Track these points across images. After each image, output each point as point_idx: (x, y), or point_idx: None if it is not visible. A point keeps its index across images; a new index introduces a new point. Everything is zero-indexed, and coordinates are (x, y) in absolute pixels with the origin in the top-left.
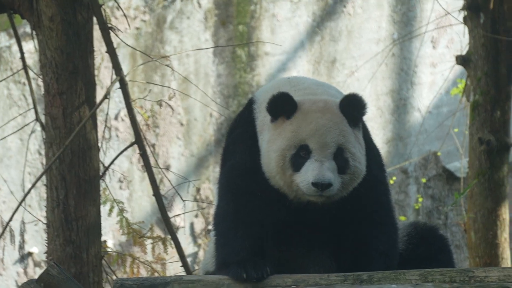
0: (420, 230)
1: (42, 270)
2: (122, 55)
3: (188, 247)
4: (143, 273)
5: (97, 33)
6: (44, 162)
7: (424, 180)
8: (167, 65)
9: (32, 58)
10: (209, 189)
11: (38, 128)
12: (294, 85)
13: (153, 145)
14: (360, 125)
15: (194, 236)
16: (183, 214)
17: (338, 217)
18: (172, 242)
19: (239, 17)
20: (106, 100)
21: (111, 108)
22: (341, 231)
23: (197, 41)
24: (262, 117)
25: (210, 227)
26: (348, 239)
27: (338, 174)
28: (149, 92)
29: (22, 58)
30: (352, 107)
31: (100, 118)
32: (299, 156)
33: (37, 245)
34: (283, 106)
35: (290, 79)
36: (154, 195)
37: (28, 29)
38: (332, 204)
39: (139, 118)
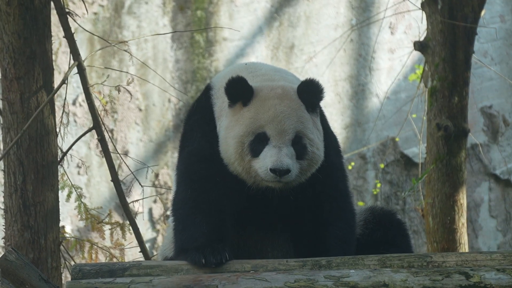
0: (377, 215)
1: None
2: (80, 40)
3: (147, 233)
4: (102, 258)
5: (54, 18)
6: (2, 147)
7: (382, 166)
8: (125, 50)
9: None
10: (168, 174)
11: None
12: (251, 71)
13: (111, 131)
14: (317, 111)
15: (152, 221)
16: (142, 200)
17: (296, 203)
18: (130, 227)
19: (197, 2)
20: (64, 85)
21: (69, 94)
22: (300, 217)
23: (155, 26)
24: (220, 103)
25: (168, 212)
26: (306, 225)
27: (296, 160)
28: (107, 77)
29: None
30: (310, 92)
31: (58, 104)
32: (258, 142)
33: None
34: (239, 90)
35: (248, 65)
36: (112, 180)
37: None
38: (291, 190)
39: (97, 103)
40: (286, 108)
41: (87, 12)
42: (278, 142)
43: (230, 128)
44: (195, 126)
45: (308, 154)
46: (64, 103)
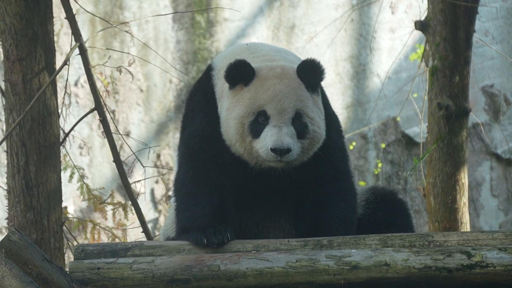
0: (378, 195)
1: (3, 236)
2: (82, 21)
3: (149, 213)
4: (104, 239)
5: None
6: (4, 128)
7: (383, 146)
8: (127, 31)
9: None
10: (169, 155)
11: None
12: (252, 51)
13: (113, 111)
14: (318, 91)
15: (154, 202)
16: (144, 180)
17: (297, 184)
18: (132, 208)
19: None
20: (66, 67)
21: (71, 75)
22: (301, 197)
23: (156, 7)
24: (221, 84)
25: (170, 193)
26: (308, 205)
27: (298, 139)
28: (108, 58)
29: None
30: (310, 72)
31: (59, 85)
32: (258, 122)
33: None
34: (241, 73)
35: (249, 45)
36: (114, 161)
37: None
38: (292, 170)
39: (98, 84)
40: (285, 87)
41: None
42: (278, 121)
43: (231, 109)
44: (196, 107)
45: (309, 133)
46: (66, 84)
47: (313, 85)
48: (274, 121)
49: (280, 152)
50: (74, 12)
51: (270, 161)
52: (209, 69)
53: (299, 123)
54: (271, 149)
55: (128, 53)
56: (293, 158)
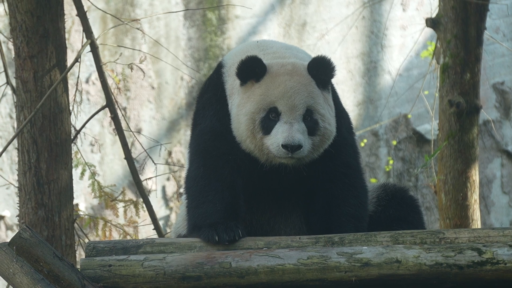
0: (389, 192)
1: (14, 234)
2: (93, 18)
3: (160, 210)
4: (115, 236)
5: None
6: (16, 125)
7: (394, 143)
8: (138, 28)
9: (2, 21)
10: (181, 152)
11: (9, 91)
12: (263, 48)
13: (124, 109)
14: (329, 88)
15: (166, 199)
16: (155, 177)
17: (308, 180)
18: (144, 205)
19: None
20: (77, 64)
21: (82, 72)
22: (312, 193)
23: (167, 4)
24: (231, 81)
25: (181, 190)
26: (319, 202)
27: (308, 136)
28: (120, 55)
29: None
30: (320, 69)
31: (71, 82)
32: (269, 119)
33: (9, 209)
34: (252, 69)
35: (259, 42)
36: (125, 158)
37: None
38: (303, 166)
39: (110, 81)
40: (296, 83)
41: None
42: (289, 118)
43: (242, 105)
44: (207, 104)
45: (320, 129)
46: (77, 82)
47: (323, 82)
48: (285, 118)
49: (291, 149)
50: (85, 9)
51: (281, 158)
52: (220, 66)
53: (310, 119)
54: (282, 145)
55: (140, 50)
56: (304, 154)
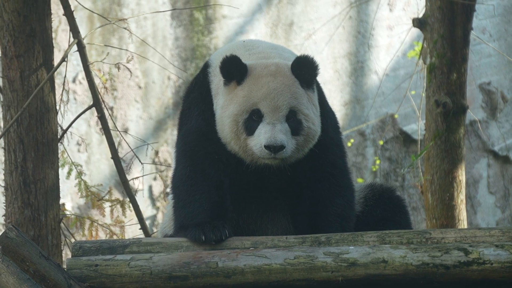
0: (376, 192)
1: (0, 233)
2: (80, 17)
3: (147, 210)
4: (102, 235)
5: None
6: (2, 125)
7: (381, 143)
8: (125, 28)
9: None
10: (168, 152)
11: None
12: (248, 48)
13: (111, 108)
14: (314, 87)
15: (152, 199)
16: (142, 177)
17: (295, 180)
18: (130, 205)
19: None
20: (64, 63)
21: (69, 71)
22: (298, 194)
23: (154, 3)
24: (217, 81)
25: (168, 190)
26: (305, 201)
27: (292, 136)
28: (107, 55)
29: None
30: (304, 68)
31: (57, 81)
32: (252, 120)
33: None
34: (233, 69)
35: (245, 42)
36: (112, 158)
37: None
38: (288, 166)
39: (97, 81)
40: (279, 84)
41: None
42: (272, 119)
43: (225, 107)
44: (193, 104)
45: (303, 129)
46: (64, 81)
47: (307, 81)
48: (268, 119)
49: (274, 149)
50: (72, 9)
51: (265, 158)
52: (206, 66)
53: (293, 120)
54: (264, 146)
55: (127, 49)
56: (287, 155)
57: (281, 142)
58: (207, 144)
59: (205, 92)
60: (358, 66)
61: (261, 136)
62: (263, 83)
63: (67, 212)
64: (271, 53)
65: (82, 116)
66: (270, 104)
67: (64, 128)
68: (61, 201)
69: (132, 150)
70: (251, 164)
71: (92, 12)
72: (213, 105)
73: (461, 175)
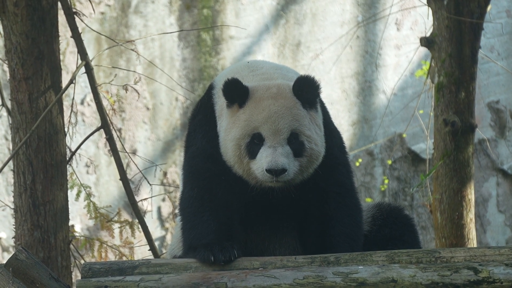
0: (384, 211)
1: (10, 255)
2: (87, 40)
3: (156, 231)
4: (111, 257)
5: (62, 18)
6: (11, 147)
7: (389, 162)
8: (132, 50)
9: None
10: (176, 173)
11: (4, 113)
12: (252, 69)
13: (120, 130)
14: (317, 107)
15: (161, 220)
16: (150, 198)
17: (301, 201)
18: (139, 226)
19: (204, 1)
20: (72, 85)
21: (77, 93)
22: (306, 214)
23: (162, 25)
24: (221, 103)
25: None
26: (313, 222)
27: (295, 158)
28: (114, 76)
29: None
30: (305, 89)
31: (66, 103)
32: (254, 144)
33: (5, 230)
34: (235, 92)
35: (250, 63)
36: (121, 179)
37: None
38: (293, 188)
39: (105, 102)
40: (280, 107)
41: (94, 12)
42: (273, 142)
43: (228, 130)
44: (198, 126)
45: (306, 150)
46: (72, 103)
47: (309, 101)
48: (269, 142)
49: (275, 173)
50: (80, 31)
51: (267, 182)
52: (211, 87)
53: (295, 142)
54: (266, 170)
55: (134, 71)
56: (290, 177)
57: (282, 165)
58: (213, 166)
59: (209, 114)
60: (366, 86)
61: (263, 160)
62: (264, 107)
63: (77, 234)
64: (274, 74)
65: (91, 137)
66: (271, 127)
67: (73, 150)
68: (70, 223)
69: (140, 171)
70: (256, 186)
71: (100, 34)
72: (217, 127)
73: (470, 194)
